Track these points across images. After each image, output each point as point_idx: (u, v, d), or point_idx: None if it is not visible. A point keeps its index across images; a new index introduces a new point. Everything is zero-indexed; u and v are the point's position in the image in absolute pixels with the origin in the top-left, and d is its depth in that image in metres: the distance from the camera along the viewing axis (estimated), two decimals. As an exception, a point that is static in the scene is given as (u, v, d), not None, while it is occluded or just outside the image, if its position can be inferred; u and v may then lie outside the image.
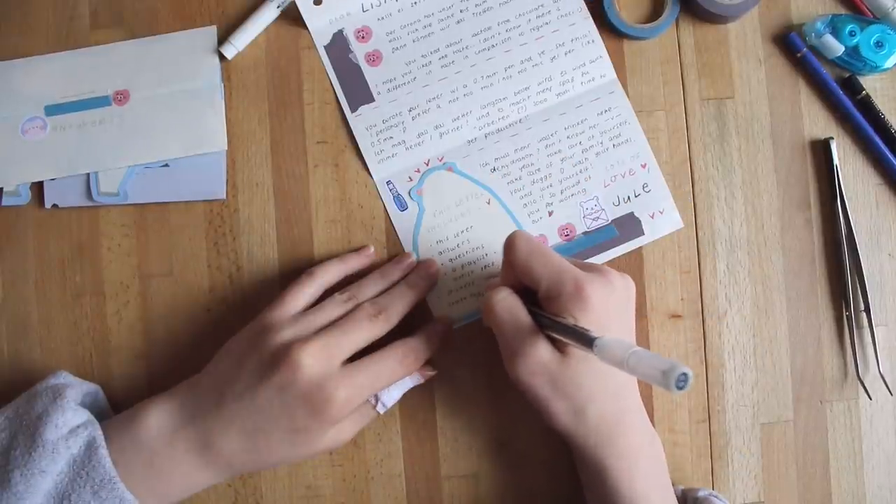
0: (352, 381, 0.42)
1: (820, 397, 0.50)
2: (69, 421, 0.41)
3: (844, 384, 0.50)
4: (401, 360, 0.44)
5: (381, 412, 0.47)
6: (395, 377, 0.45)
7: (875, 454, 0.50)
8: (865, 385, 0.50)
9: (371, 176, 0.51)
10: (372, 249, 0.50)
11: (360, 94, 0.51)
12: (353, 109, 0.51)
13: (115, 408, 0.48)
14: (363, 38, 0.51)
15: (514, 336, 0.41)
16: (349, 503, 0.49)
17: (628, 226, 0.50)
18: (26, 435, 0.40)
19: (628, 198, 0.50)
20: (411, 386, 0.48)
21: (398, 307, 0.46)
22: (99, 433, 0.41)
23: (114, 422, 0.43)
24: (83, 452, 0.40)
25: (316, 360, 0.41)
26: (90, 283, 0.50)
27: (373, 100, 0.51)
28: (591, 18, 0.51)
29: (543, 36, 0.51)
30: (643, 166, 0.51)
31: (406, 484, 0.50)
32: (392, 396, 0.47)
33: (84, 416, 0.42)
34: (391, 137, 0.51)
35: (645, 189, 0.50)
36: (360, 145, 0.51)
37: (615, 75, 0.51)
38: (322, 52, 0.51)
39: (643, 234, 0.50)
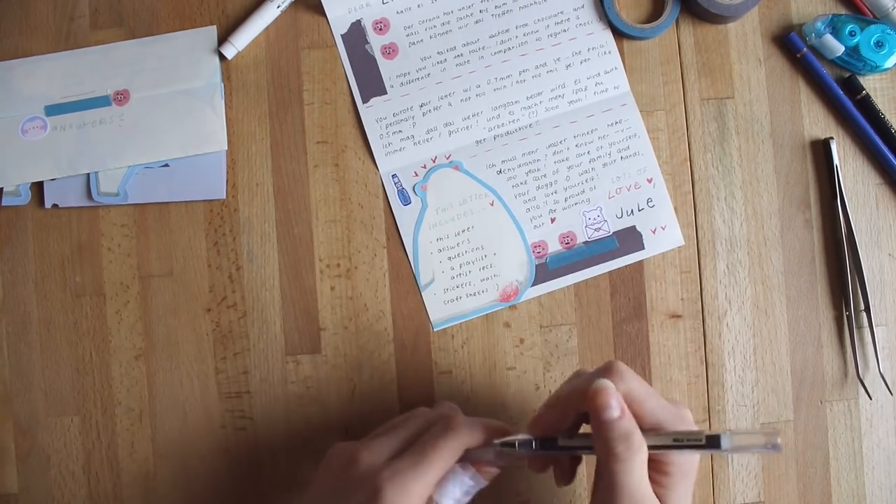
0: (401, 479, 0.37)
1: (820, 397, 0.50)
2: None
3: (844, 384, 0.50)
4: (448, 438, 0.39)
5: None
6: (444, 466, 0.39)
7: (875, 454, 0.50)
8: (865, 385, 0.50)
9: (377, 168, 0.51)
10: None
11: (372, 85, 0.51)
12: (365, 100, 0.51)
13: (115, 407, 0.48)
14: (381, 30, 0.51)
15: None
16: (349, 503, 0.49)
17: (629, 239, 0.50)
18: None
19: (631, 211, 0.50)
20: (472, 486, 0.41)
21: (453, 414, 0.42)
22: None
23: None
24: None
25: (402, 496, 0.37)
26: (90, 283, 0.50)
27: (385, 92, 0.51)
28: (609, 29, 0.51)
29: (560, 43, 0.51)
30: (649, 181, 0.51)
31: (406, 484, 0.50)
32: (451, 496, 0.40)
33: None
34: (400, 131, 0.51)
35: (649, 204, 0.50)
36: (368, 137, 0.51)
37: (629, 88, 0.51)
38: (338, 41, 0.51)
39: (643, 248, 0.50)
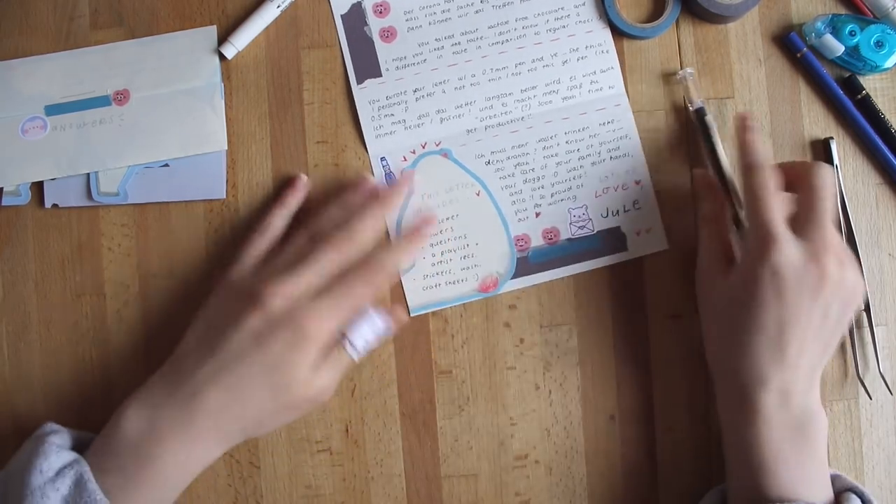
0: (319, 305, 0.43)
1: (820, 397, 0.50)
2: (53, 464, 0.41)
3: (844, 384, 0.50)
4: (365, 279, 0.45)
5: (355, 356, 0.46)
6: (363, 297, 0.45)
7: (875, 454, 0.50)
8: (865, 385, 0.50)
9: (367, 150, 0.51)
10: (305, 178, 0.50)
11: (368, 67, 0.51)
12: (360, 81, 0.51)
13: (115, 407, 0.48)
14: (381, 13, 0.51)
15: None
16: (349, 503, 0.50)
17: (612, 239, 0.50)
18: (15, 486, 0.41)
19: (617, 212, 0.50)
20: (383, 329, 0.47)
21: (365, 226, 0.46)
22: (85, 468, 0.41)
23: (96, 443, 0.43)
24: (73, 490, 0.40)
25: (280, 297, 0.43)
26: (90, 283, 0.50)
27: (380, 75, 0.51)
28: (608, 28, 0.51)
29: (559, 38, 0.51)
30: (637, 183, 0.50)
31: (406, 484, 0.50)
32: (361, 336, 0.46)
33: (69, 456, 0.42)
34: (392, 115, 0.51)
35: (635, 206, 0.50)
36: (360, 118, 0.51)
37: (624, 88, 0.51)
38: (338, 21, 0.51)
39: (626, 249, 0.50)
